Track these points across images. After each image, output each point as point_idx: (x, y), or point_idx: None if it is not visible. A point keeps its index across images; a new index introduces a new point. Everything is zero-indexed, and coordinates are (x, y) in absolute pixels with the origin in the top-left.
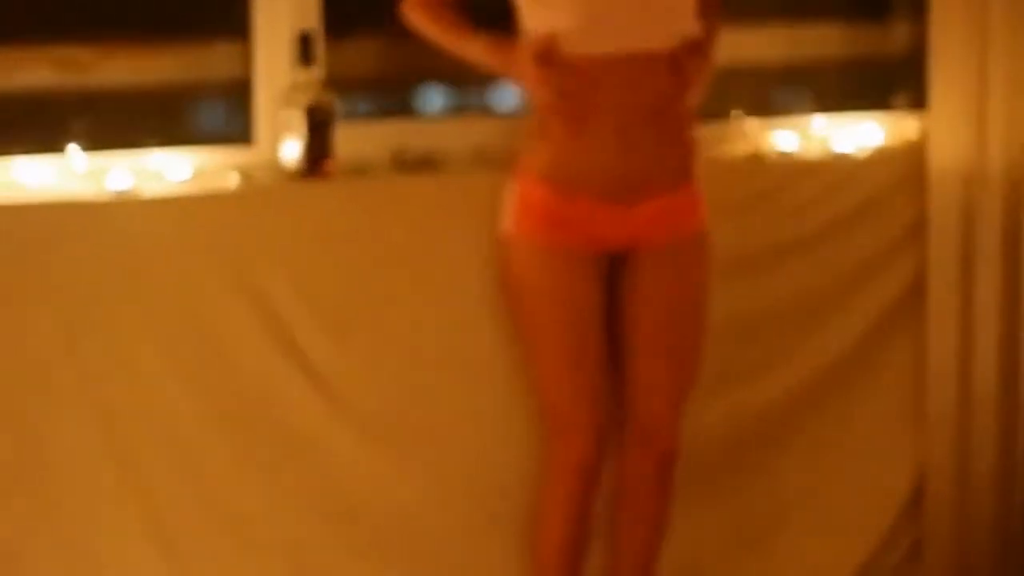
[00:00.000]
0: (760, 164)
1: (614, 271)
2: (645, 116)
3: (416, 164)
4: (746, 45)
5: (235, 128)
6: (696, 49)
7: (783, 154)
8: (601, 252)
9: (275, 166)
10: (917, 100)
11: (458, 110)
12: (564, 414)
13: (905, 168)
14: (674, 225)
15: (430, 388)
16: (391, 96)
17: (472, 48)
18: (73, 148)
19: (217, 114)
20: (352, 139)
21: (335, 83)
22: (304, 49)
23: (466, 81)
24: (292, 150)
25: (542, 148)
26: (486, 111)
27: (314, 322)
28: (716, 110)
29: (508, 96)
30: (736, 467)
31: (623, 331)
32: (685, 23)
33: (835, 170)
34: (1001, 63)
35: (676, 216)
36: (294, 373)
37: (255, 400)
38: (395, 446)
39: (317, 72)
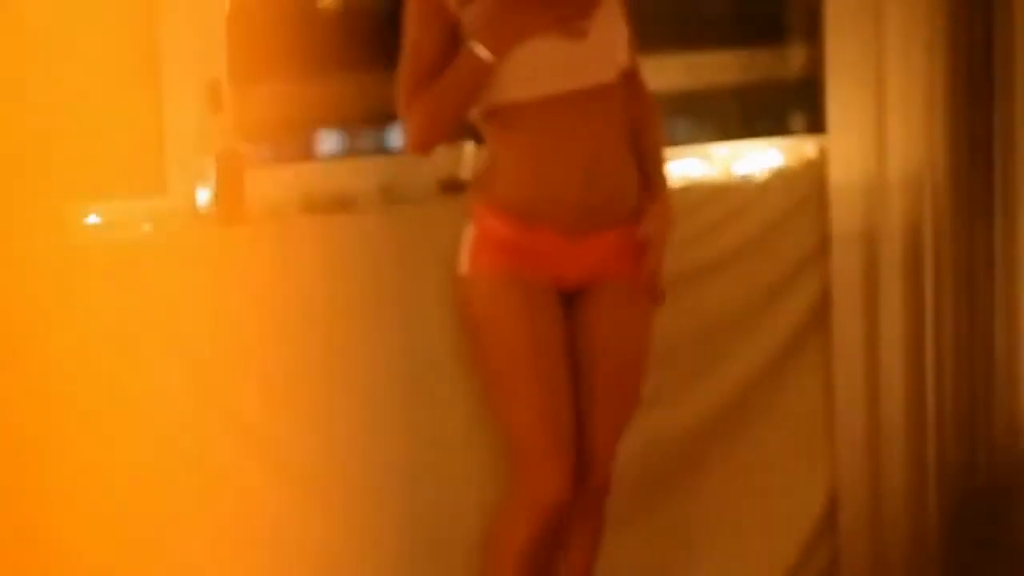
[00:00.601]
0: None
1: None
2: (600, 149)
3: (325, 205)
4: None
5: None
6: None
7: (686, 181)
8: (560, 286)
9: (189, 213)
10: (816, 122)
11: (359, 151)
12: (537, 450)
13: (806, 189)
14: (631, 261)
15: (350, 428)
16: (296, 140)
17: (460, 63)
18: None
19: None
20: (263, 183)
21: (244, 129)
22: (212, 96)
23: (363, 123)
24: (204, 197)
25: (501, 180)
26: (386, 151)
27: (235, 368)
28: None
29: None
30: (652, 491)
31: (573, 368)
32: (619, 53)
33: (738, 194)
34: (897, 81)
35: (632, 251)
36: (217, 417)
37: (179, 447)
38: (323, 492)
39: (226, 119)
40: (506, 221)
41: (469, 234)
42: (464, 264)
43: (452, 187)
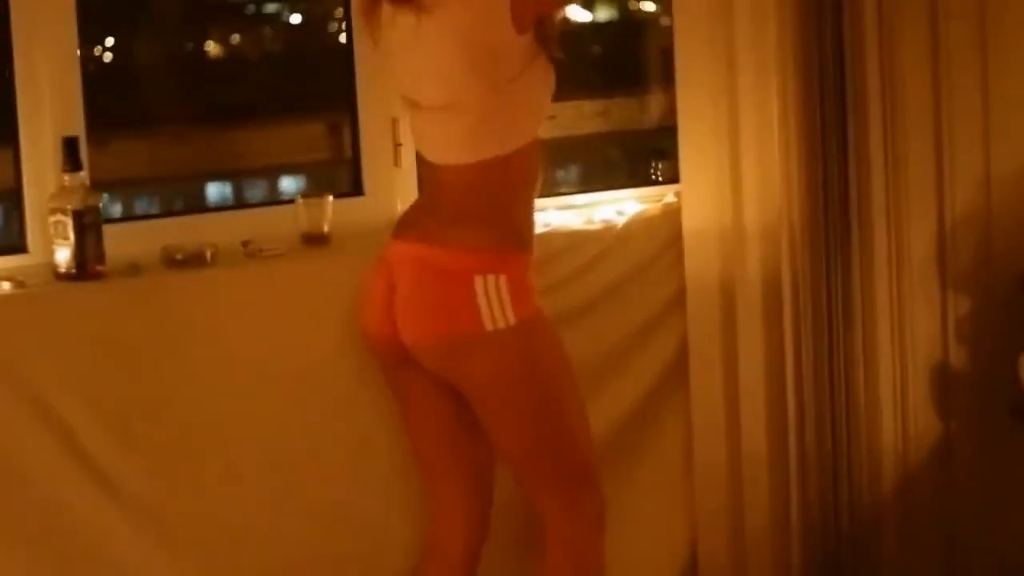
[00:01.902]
0: None
1: None
2: None
3: (187, 260)
4: None
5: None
6: None
7: (548, 227)
8: None
9: (49, 272)
10: (675, 170)
11: (222, 205)
12: (592, 467)
13: (666, 235)
14: None
15: (212, 482)
16: (158, 194)
17: None
18: None
19: None
20: (122, 238)
21: (103, 184)
22: (69, 154)
23: (234, 176)
24: (64, 254)
25: (516, 220)
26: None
27: (96, 422)
28: None
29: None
30: (519, 534)
31: None
32: None
33: (598, 240)
34: (750, 129)
35: None
36: (79, 474)
37: (39, 503)
38: (185, 544)
39: (83, 176)
40: (526, 259)
41: (500, 285)
42: (508, 316)
43: (315, 240)
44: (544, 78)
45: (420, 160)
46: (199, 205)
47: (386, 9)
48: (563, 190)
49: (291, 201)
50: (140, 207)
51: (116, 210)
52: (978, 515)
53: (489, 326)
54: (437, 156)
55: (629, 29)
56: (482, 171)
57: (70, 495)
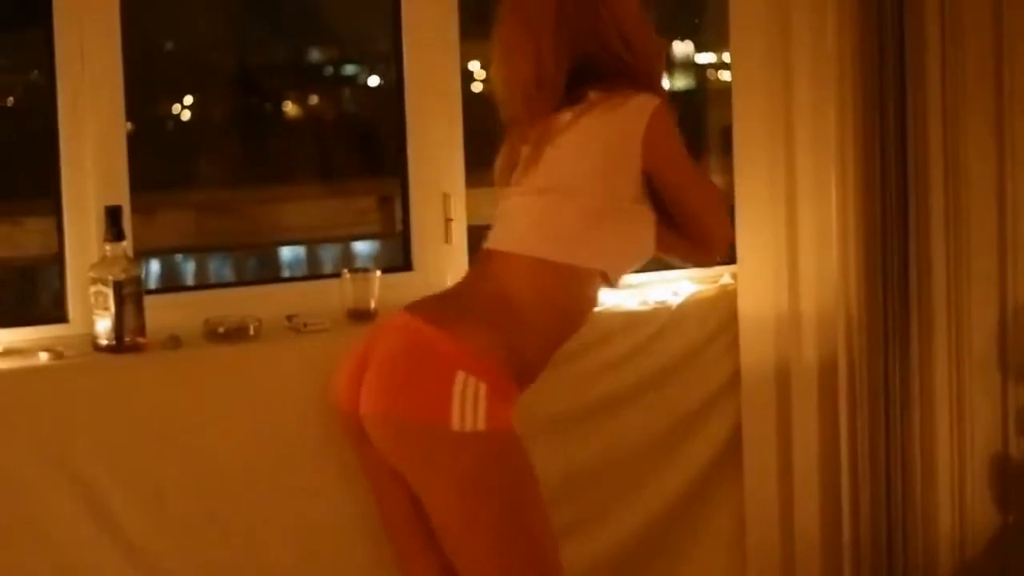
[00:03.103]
0: None
1: None
2: None
3: (229, 333)
4: None
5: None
6: None
7: (602, 307)
8: None
9: (88, 342)
10: (731, 252)
11: (265, 278)
12: None
13: (720, 317)
14: None
15: (249, 559)
16: (201, 265)
17: None
18: None
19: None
20: (165, 310)
21: (145, 254)
22: (112, 223)
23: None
24: (104, 325)
25: (523, 342)
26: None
27: (132, 497)
28: None
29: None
30: None
31: None
32: None
33: (652, 321)
34: (809, 212)
35: None
36: (113, 549)
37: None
38: None
39: (125, 246)
40: (515, 389)
41: (480, 390)
42: (479, 421)
43: (360, 316)
44: (648, 225)
45: (480, 254)
46: (244, 276)
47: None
48: None
49: (338, 275)
50: (188, 276)
51: (163, 280)
52: None
53: (456, 426)
54: (508, 241)
55: (703, 99)
56: (537, 273)
57: (105, 572)
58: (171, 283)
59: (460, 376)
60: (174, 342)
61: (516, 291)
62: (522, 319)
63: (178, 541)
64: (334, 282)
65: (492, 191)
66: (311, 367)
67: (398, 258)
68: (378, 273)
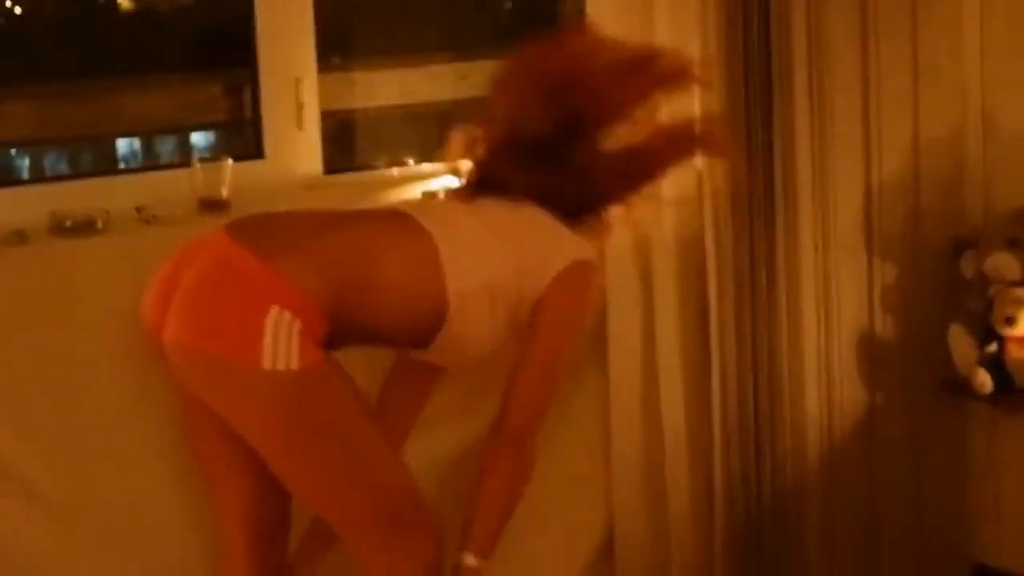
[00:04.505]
0: None
1: None
2: None
3: (76, 227)
4: (417, 85)
5: None
6: None
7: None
8: None
9: None
10: None
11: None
12: (415, 509)
13: None
14: None
15: (103, 464)
16: (37, 160)
17: None
18: None
19: None
20: (8, 204)
21: None
22: None
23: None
24: None
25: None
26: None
27: None
28: (388, 155)
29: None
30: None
31: None
32: None
33: None
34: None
35: None
36: None
37: None
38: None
39: None
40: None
41: (293, 328)
42: (292, 360)
43: (212, 205)
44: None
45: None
46: (92, 168)
47: None
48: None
49: (182, 166)
50: (27, 170)
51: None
52: (903, 488)
53: (268, 364)
54: (434, 231)
55: None
56: (426, 274)
57: None
58: (9, 178)
59: (274, 311)
60: (18, 237)
61: (388, 265)
62: (370, 291)
63: (40, 448)
64: (180, 172)
65: (346, 76)
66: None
67: (246, 148)
68: (230, 161)
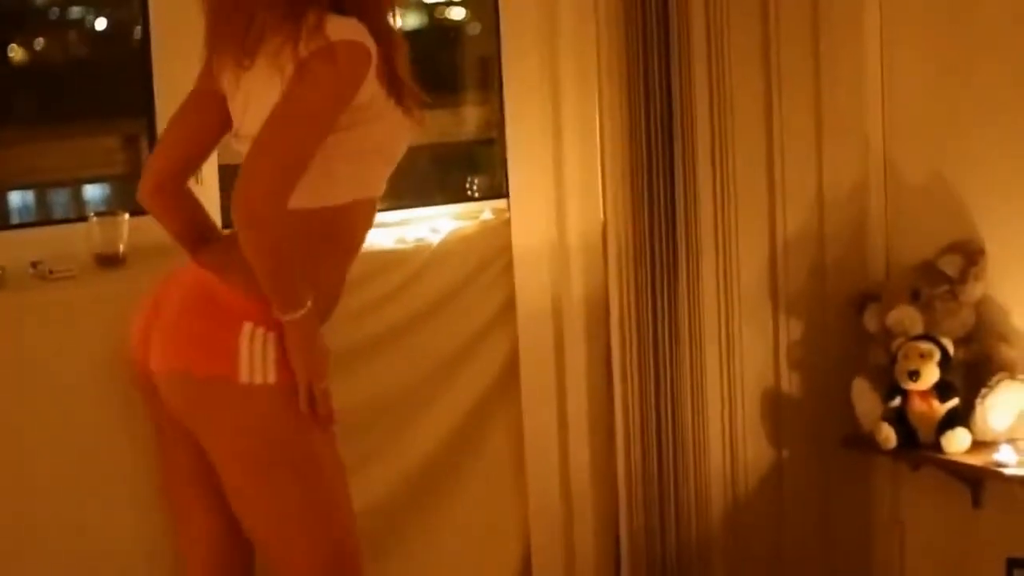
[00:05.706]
0: None
1: None
2: None
3: None
4: None
5: None
6: None
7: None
8: None
9: None
10: (495, 185)
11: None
12: (357, 552)
13: (484, 254)
14: None
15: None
16: None
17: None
18: None
19: None
20: None
21: None
22: None
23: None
24: None
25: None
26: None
27: None
28: None
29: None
30: None
31: None
32: None
33: (414, 259)
34: (575, 140)
35: None
36: None
37: None
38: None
39: None
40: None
41: (268, 341)
42: (268, 374)
43: (108, 261)
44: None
45: None
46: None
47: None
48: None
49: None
50: None
51: None
52: (808, 542)
53: (245, 378)
54: None
55: (438, 37)
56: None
57: None
58: None
59: (247, 328)
60: None
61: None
62: (301, 268)
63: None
64: (76, 226)
65: None
66: (61, 315)
67: None
68: (127, 216)
